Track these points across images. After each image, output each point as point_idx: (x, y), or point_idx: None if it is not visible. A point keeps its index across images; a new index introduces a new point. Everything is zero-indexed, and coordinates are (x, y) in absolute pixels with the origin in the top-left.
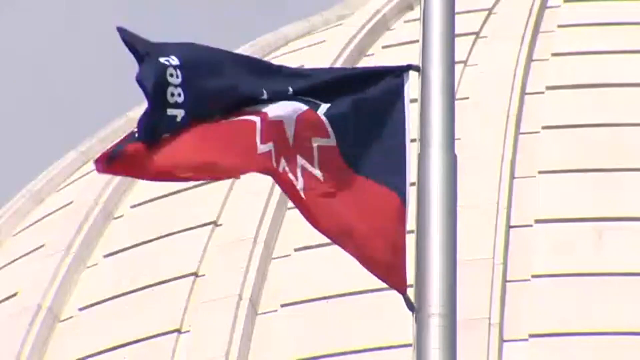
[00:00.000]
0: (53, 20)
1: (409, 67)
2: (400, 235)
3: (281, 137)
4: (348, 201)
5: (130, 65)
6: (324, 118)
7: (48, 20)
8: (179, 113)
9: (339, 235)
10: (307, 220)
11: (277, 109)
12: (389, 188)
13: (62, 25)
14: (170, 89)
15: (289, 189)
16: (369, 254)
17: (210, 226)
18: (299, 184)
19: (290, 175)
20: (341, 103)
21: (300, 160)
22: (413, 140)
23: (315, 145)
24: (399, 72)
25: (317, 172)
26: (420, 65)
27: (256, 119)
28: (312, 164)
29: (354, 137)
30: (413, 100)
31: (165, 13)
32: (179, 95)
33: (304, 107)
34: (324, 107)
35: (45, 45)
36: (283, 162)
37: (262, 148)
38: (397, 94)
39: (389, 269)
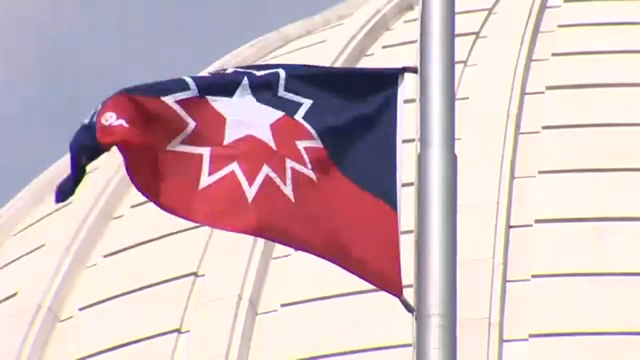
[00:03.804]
0: (52, 19)
1: (404, 70)
2: (391, 241)
3: (253, 149)
4: (337, 207)
5: (132, 65)
6: (302, 121)
7: (44, 18)
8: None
9: (326, 246)
10: (293, 224)
11: (240, 124)
12: (376, 196)
13: (63, 25)
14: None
15: (270, 194)
16: (361, 264)
17: None
18: (287, 189)
19: (277, 180)
20: (328, 103)
21: (289, 163)
22: (412, 140)
23: (301, 147)
24: (393, 75)
25: (311, 173)
26: (418, 65)
27: (204, 150)
28: (304, 164)
29: (343, 140)
30: (410, 101)
31: (165, 13)
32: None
33: (278, 114)
34: (304, 106)
35: (46, 45)
36: (265, 169)
37: (207, 180)
38: (390, 96)
39: (382, 275)
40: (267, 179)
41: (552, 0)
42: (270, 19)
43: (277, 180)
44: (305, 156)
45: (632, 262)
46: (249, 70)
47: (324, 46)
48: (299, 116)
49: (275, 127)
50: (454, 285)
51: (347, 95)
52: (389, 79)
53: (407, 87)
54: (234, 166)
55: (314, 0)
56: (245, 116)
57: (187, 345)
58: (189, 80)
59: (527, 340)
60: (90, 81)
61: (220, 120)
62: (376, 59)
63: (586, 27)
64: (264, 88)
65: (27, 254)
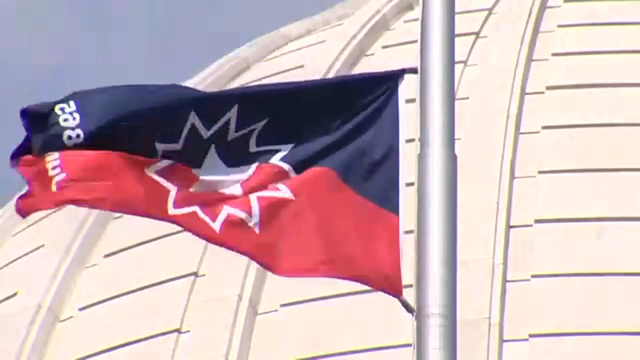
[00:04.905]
0: (62, 23)
1: (403, 71)
2: (392, 242)
3: (215, 197)
4: (331, 218)
5: (134, 67)
6: (279, 163)
7: (55, 24)
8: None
9: (320, 261)
10: (265, 258)
11: (210, 182)
12: (376, 202)
13: (66, 24)
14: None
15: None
16: (358, 267)
17: None
18: (253, 221)
19: (242, 215)
20: (312, 132)
21: (255, 194)
22: (412, 140)
23: (273, 185)
24: (392, 77)
25: (287, 194)
26: (419, 65)
27: (172, 187)
28: (275, 189)
29: (342, 154)
30: (410, 101)
31: (164, 12)
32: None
33: (251, 168)
34: (281, 152)
35: (48, 46)
36: (226, 209)
37: (175, 211)
38: (390, 98)
39: (381, 275)
40: (229, 217)
41: (552, 0)
42: (270, 19)
43: (242, 216)
44: (280, 185)
45: (632, 262)
46: (216, 128)
47: (324, 46)
48: (275, 160)
49: (246, 181)
50: (454, 285)
51: (340, 108)
52: (388, 81)
53: (407, 87)
54: (196, 208)
55: (314, 0)
56: (215, 178)
57: (187, 345)
58: (157, 145)
59: (527, 340)
60: (90, 81)
61: (192, 177)
62: (376, 59)
63: (586, 27)
64: (234, 152)
65: (27, 254)
